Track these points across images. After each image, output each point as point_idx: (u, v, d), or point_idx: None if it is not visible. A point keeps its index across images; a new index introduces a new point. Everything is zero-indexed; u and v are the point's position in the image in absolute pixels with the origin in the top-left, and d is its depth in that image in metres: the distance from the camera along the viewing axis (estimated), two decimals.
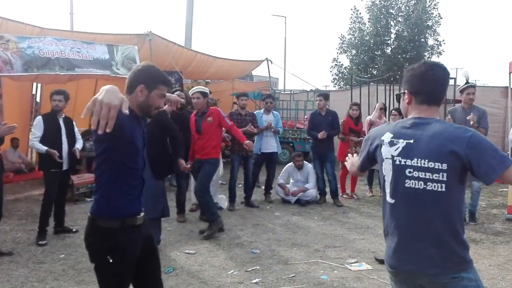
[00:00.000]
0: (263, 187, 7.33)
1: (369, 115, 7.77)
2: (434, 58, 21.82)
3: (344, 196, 7.34)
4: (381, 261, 4.07)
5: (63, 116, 5.03)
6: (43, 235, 4.80)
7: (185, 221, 5.74)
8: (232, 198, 6.52)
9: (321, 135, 6.66)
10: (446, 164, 1.69)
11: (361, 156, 2.06)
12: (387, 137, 1.85)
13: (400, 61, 21.80)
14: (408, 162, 1.76)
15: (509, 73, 7.04)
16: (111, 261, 2.02)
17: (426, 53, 22.07)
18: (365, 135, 7.38)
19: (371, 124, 7.24)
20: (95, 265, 2.10)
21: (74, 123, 5.24)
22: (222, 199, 6.55)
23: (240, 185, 7.10)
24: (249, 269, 4.05)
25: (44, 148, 4.79)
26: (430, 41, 22.12)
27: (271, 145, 6.95)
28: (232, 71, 12.39)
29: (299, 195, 6.86)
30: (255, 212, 6.33)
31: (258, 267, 4.11)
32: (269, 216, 6.13)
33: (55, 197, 4.95)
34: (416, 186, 1.74)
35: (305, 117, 10.29)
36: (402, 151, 1.78)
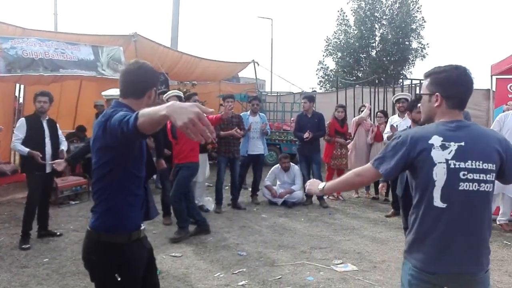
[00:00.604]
0: (250, 189, 7.33)
1: (354, 117, 7.86)
2: (418, 61, 22.17)
3: (330, 197, 7.38)
4: None
5: (46, 118, 4.96)
6: (26, 239, 4.72)
7: (171, 223, 5.70)
8: (218, 200, 6.50)
9: (306, 135, 6.71)
10: (494, 165, 1.78)
11: (391, 161, 1.85)
12: (436, 140, 1.80)
13: (385, 63, 22.07)
14: (462, 165, 1.76)
15: (491, 76, 7.16)
16: (119, 279, 1.89)
17: (410, 56, 22.37)
18: (350, 136, 7.47)
19: (359, 124, 7.33)
20: (99, 284, 1.96)
21: (57, 125, 5.17)
22: (208, 201, 6.54)
23: (227, 187, 7.09)
24: (236, 272, 4.05)
25: (26, 149, 4.69)
26: (414, 44, 22.42)
27: (257, 147, 6.96)
28: (219, 73, 12.38)
29: (285, 196, 6.88)
30: (242, 214, 6.33)
31: (244, 269, 4.11)
32: (256, 218, 6.14)
33: (38, 200, 4.87)
34: (470, 188, 1.76)
35: (292, 119, 10.33)
36: (455, 154, 1.77)
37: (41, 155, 4.73)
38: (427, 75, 1.95)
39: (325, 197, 7.05)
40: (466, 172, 1.76)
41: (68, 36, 7.63)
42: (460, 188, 1.76)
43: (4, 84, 7.77)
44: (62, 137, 5.18)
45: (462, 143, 1.78)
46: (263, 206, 6.86)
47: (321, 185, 2.15)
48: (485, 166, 1.76)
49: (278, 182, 7.18)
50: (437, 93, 1.87)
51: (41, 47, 6.57)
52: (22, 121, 4.90)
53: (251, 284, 3.77)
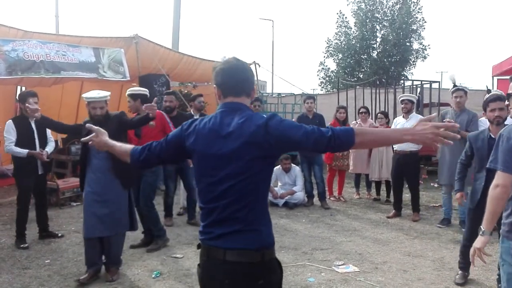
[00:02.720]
0: None
1: (355, 118, 7.85)
2: (419, 62, 22.16)
3: (332, 198, 7.37)
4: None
5: (34, 119, 4.92)
6: (22, 238, 4.71)
7: (173, 225, 5.71)
8: None
9: None
10: None
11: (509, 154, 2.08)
12: None
13: (386, 65, 22.08)
14: None
15: (492, 77, 7.18)
16: None
17: (411, 57, 22.38)
18: None
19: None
20: None
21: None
22: None
23: None
24: None
25: (25, 151, 4.63)
26: (415, 45, 22.48)
27: None
28: None
29: (286, 198, 6.88)
30: None
31: None
32: None
33: (29, 201, 4.85)
34: None
35: (293, 120, 10.33)
36: None
37: (42, 152, 4.71)
38: None
39: (326, 198, 7.04)
40: None
41: (69, 38, 7.65)
42: None
43: (5, 86, 7.80)
44: (50, 138, 5.09)
45: None
46: None
47: (480, 232, 2.24)
48: None
49: (279, 183, 7.17)
50: None
51: (42, 49, 6.58)
52: (9, 123, 4.77)
53: None
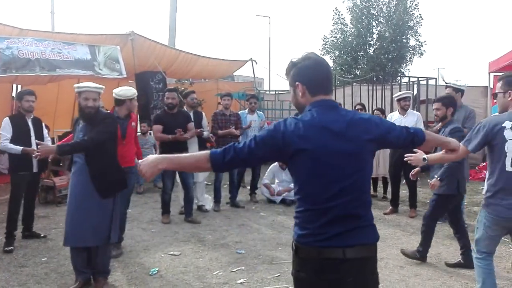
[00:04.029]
0: (249, 188, 7.33)
1: None
2: (416, 59, 22.17)
3: None
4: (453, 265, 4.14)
5: (31, 117, 4.88)
6: (10, 240, 4.63)
7: (170, 222, 5.70)
8: (217, 198, 6.50)
9: None
10: None
11: (476, 139, 2.80)
12: (508, 124, 2.73)
13: (383, 61, 22.07)
14: None
15: (489, 73, 7.19)
16: None
17: (408, 54, 22.39)
18: None
19: None
20: None
21: (43, 124, 5.07)
22: (207, 199, 6.53)
23: (226, 186, 7.09)
24: (234, 270, 4.05)
25: (19, 148, 4.59)
26: (412, 42, 22.46)
27: None
28: (216, 71, 12.36)
29: (284, 194, 6.89)
30: (241, 213, 6.33)
31: (243, 267, 4.11)
32: (255, 216, 6.14)
33: (21, 199, 4.81)
34: None
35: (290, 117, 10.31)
36: None
37: (36, 149, 4.65)
38: (500, 79, 2.98)
39: None
40: None
41: (64, 35, 7.62)
42: None
43: (1, 84, 7.76)
44: (46, 136, 5.06)
45: None
46: (261, 205, 6.86)
47: (424, 157, 2.63)
48: None
49: (276, 181, 7.18)
50: (509, 91, 2.84)
51: (37, 47, 6.55)
52: (6, 120, 4.77)
53: (249, 282, 3.77)
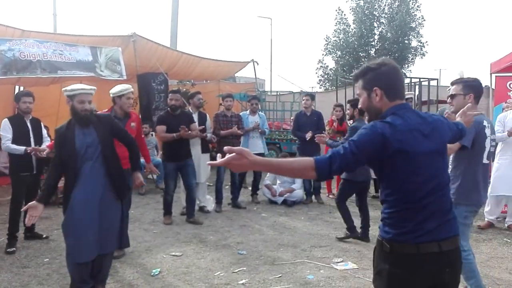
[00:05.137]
0: (250, 188, 7.33)
1: None
2: (418, 60, 22.14)
3: (330, 196, 7.38)
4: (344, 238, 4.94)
5: (30, 117, 4.88)
6: (12, 242, 4.65)
7: (172, 223, 5.71)
8: (218, 199, 6.50)
9: (308, 135, 6.72)
10: None
11: (470, 135, 2.96)
12: (485, 123, 3.18)
13: None
14: (492, 137, 3.27)
15: (490, 74, 7.15)
16: None
17: (409, 55, 22.37)
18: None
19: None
20: None
21: (42, 124, 5.06)
22: (209, 200, 6.54)
23: (227, 187, 7.10)
24: (236, 270, 4.05)
25: (22, 148, 4.61)
26: (414, 43, 22.44)
27: (257, 146, 6.96)
28: (218, 72, 12.37)
29: (285, 195, 6.89)
30: (242, 213, 6.33)
31: (245, 268, 4.11)
32: (256, 217, 6.14)
33: (23, 201, 4.82)
34: (492, 150, 3.30)
35: (291, 118, 10.34)
36: (490, 130, 3.23)
37: (46, 150, 4.66)
38: (454, 83, 3.26)
39: (326, 195, 7.05)
40: (491, 140, 3.24)
41: (66, 37, 7.63)
42: (491, 150, 3.27)
43: (3, 86, 7.78)
44: (45, 137, 5.05)
45: (490, 124, 3.25)
46: (263, 205, 6.86)
47: None
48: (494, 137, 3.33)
49: (278, 181, 7.18)
50: (470, 94, 3.14)
51: (39, 48, 6.56)
52: (5, 121, 4.77)
53: (251, 283, 3.77)
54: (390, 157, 1.75)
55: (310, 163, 1.72)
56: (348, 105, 5.25)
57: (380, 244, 1.88)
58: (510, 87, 6.66)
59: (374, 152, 1.75)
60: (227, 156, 1.68)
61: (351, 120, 5.21)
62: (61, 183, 3.64)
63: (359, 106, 2.02)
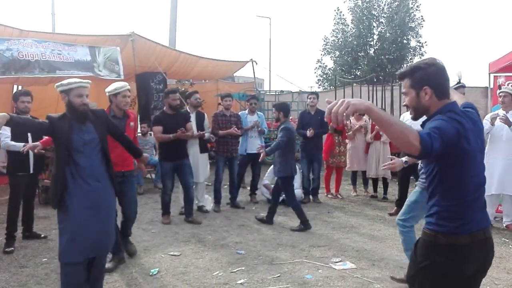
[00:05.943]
0: (249, 188, 7.33)
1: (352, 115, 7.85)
2: (417, 59, 22.09)
3: (329, 196, 7.38)
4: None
5: (28, 116, 4.87)
6: (11, 241, 4.63)
7: (170, 222, 5.71)
8: (217, 199, 6.50)
9: (310, 133, 6.73)
10: None
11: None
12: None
13: (383, 62, 22.04)
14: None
15: (489, 74, 7.16)
16: None
17: (408, 55, 22.36)
18: (348, 131, 7.48)
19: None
20: None
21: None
22: (208, 200, 6.54)
23: (226, 186, 7.09)
24: (235, 270, 4.05)
25: (21, 144, 4.57)
26: (413, 43, 22.42)
27: (256, 145, 6.95)
28: (217, 72, 12.37)
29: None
30: (241, 213, 6.33)
31: (243, 268, 4.11)
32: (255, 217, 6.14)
33: (21, 201, 4.81)
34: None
35: (291, 117, 10.32)
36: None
37: (39, 146, 4.60)
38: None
39: (324, 195, 7.05)
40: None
41: (65, 36, 7.63)
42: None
43: (1, 85, 7.77)
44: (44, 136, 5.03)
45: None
46: (261, 205, 6.86)
47: (405, 160, 3.23)
48: None
49: None
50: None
51: (37, 48, 6.55)
52: None
53: (250, 283, 3.77)
54: (457, 150, 1.80)
55: (416, 134, 1.65)
56: (274, 109, 5.85)
57: (434, 237, 1.93)
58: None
59: (451, 143, 1.75)
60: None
61: (278, 122, 5.81)
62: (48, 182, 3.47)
63: (404, 103, 2.05)
